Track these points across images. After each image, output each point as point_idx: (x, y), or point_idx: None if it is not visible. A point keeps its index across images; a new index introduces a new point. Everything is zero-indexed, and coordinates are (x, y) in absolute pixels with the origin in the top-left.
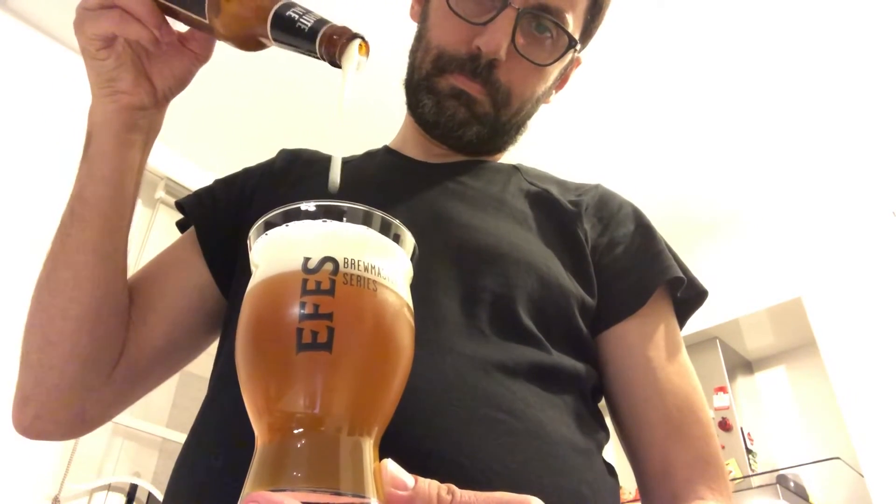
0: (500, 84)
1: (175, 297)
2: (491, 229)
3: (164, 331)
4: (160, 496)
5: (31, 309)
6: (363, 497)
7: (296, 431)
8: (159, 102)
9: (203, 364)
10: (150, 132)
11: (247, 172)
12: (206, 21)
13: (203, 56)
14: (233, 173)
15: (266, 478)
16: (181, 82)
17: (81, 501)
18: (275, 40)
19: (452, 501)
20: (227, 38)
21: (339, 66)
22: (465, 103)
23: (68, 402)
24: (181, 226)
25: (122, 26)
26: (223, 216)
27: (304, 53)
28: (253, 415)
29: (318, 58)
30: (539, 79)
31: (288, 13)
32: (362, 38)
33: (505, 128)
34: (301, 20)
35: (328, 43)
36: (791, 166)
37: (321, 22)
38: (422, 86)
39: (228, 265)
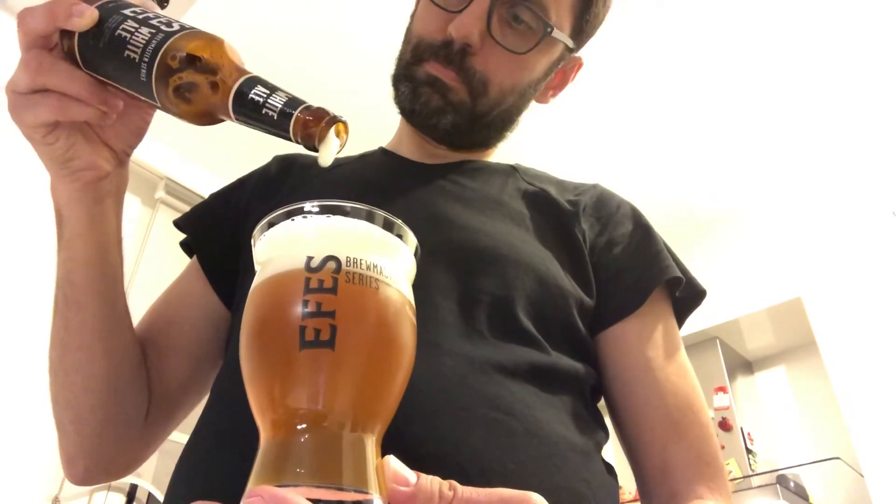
0: (475, 71)
1: (191, 332)
2: (489, 230)
3: (187, 367)
4: (160, 496)
5: (52, 387)
6: (366, 493)
7: (299, 427)
8: (122, 162)
9: None
10: (118, 191)
11: (242, 185)
12: (157, 103)
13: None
14: (228, 185)
15: (270, 473)
16: (139, 134)
17: (81, 501)
18: (238, 121)
19: (454, 497)
20: (180, 116)
21: (315, 151)
22: (439, 90)
23: (114, 456)
24: (184, 245)
25: (64, 112)
26: (224, 238)
27: (274, 135)
28: (257, 411)
29: (291, 141)
30: (518, 68)
31: (252, 94)
32: (341, 121)
33: (484, 120)
34: (268, 103)
35: (303, 129)
36: (791, 166)
37: (291, 104)
38: (401, 75)
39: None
